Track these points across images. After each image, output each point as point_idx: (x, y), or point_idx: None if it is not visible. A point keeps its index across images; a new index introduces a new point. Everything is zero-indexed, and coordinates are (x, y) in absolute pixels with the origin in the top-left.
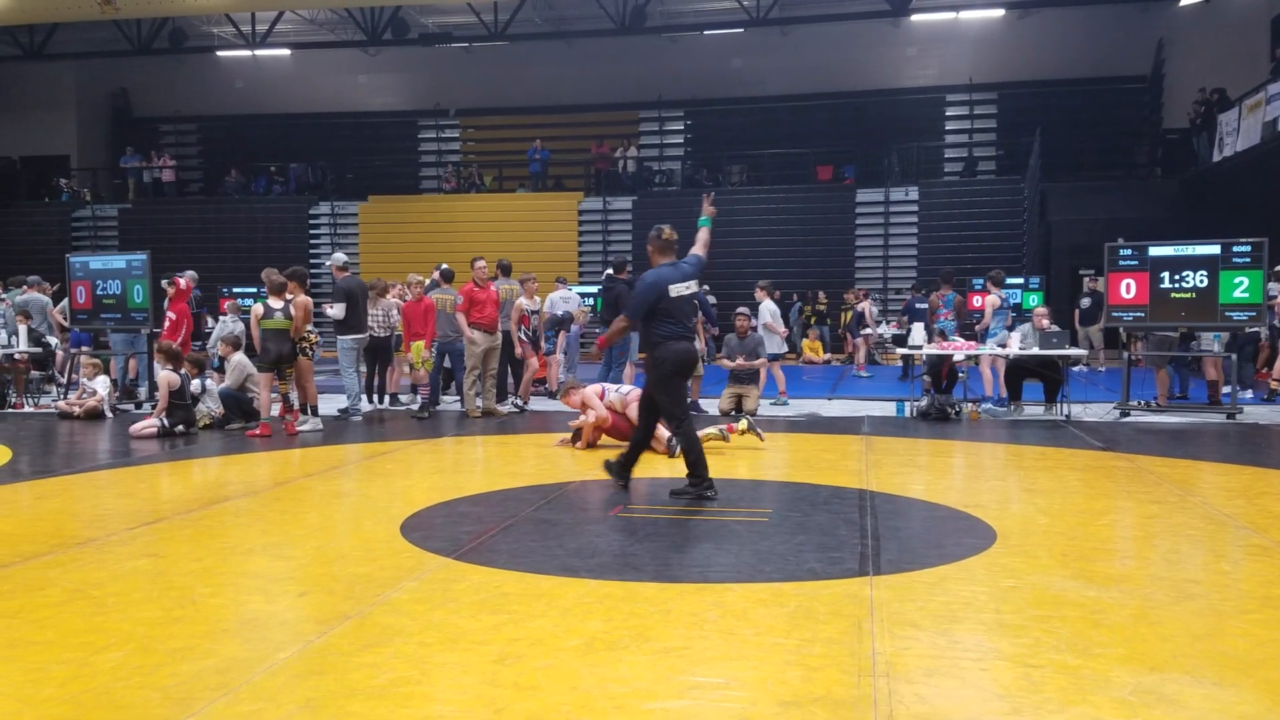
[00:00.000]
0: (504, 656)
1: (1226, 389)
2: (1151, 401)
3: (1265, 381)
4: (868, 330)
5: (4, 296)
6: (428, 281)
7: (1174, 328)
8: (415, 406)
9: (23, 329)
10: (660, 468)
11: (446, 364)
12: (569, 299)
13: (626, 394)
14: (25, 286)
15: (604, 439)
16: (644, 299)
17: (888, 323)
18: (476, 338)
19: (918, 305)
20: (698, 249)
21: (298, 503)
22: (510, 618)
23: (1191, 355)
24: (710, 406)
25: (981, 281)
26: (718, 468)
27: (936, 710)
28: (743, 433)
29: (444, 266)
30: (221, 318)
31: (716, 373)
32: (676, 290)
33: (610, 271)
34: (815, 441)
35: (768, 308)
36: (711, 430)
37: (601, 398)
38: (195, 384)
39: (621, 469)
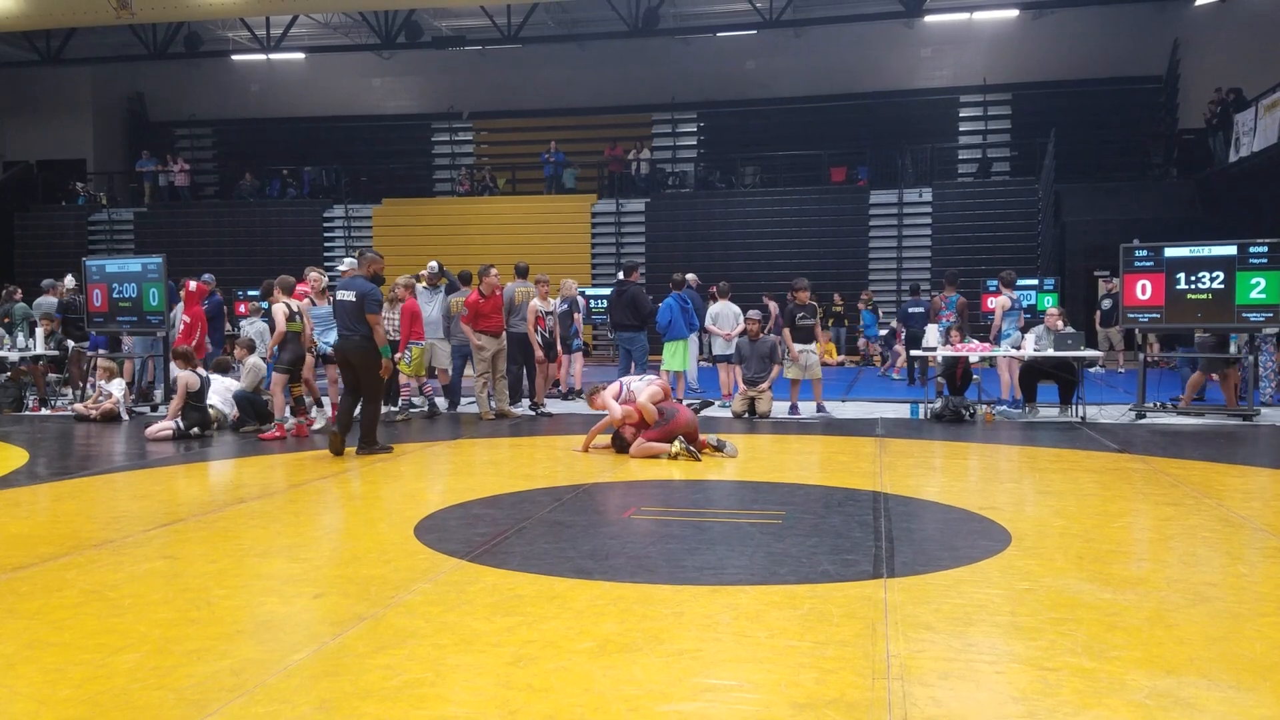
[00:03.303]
0: (518, 658)
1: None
2: (1168, 403)
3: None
4: (887, 328)
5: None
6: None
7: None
8: (439, 408)
9: (39, 332)
10: (673, 470)
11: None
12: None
13: (640, 386)
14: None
15: (609, 440)
16: None
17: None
18: (484, 343)
19: (911, 310)
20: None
21: (312, 505)
22: (524, 619)
23: (1213, 358)
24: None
25: (995, 283)
26: (731, 472)
27: (951, 713)
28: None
29: (434, 265)
30: (244, 320)
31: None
32: (338, 295)
33: (621, 275)
34: (829, 443)
35: (716, 309)
36: (677, 447)
37: (618, 394)
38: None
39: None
